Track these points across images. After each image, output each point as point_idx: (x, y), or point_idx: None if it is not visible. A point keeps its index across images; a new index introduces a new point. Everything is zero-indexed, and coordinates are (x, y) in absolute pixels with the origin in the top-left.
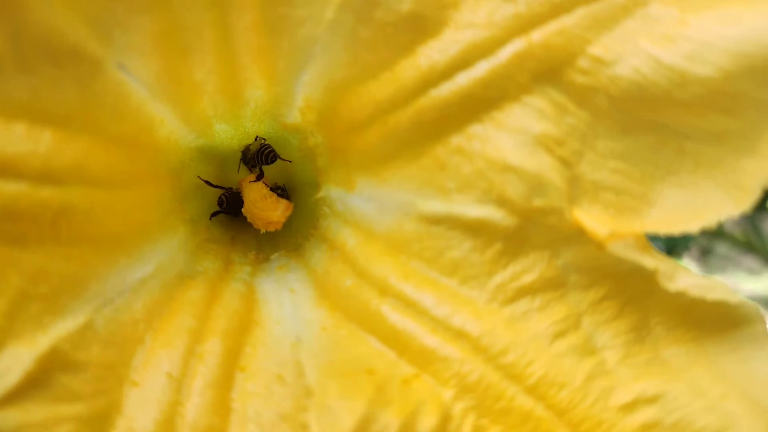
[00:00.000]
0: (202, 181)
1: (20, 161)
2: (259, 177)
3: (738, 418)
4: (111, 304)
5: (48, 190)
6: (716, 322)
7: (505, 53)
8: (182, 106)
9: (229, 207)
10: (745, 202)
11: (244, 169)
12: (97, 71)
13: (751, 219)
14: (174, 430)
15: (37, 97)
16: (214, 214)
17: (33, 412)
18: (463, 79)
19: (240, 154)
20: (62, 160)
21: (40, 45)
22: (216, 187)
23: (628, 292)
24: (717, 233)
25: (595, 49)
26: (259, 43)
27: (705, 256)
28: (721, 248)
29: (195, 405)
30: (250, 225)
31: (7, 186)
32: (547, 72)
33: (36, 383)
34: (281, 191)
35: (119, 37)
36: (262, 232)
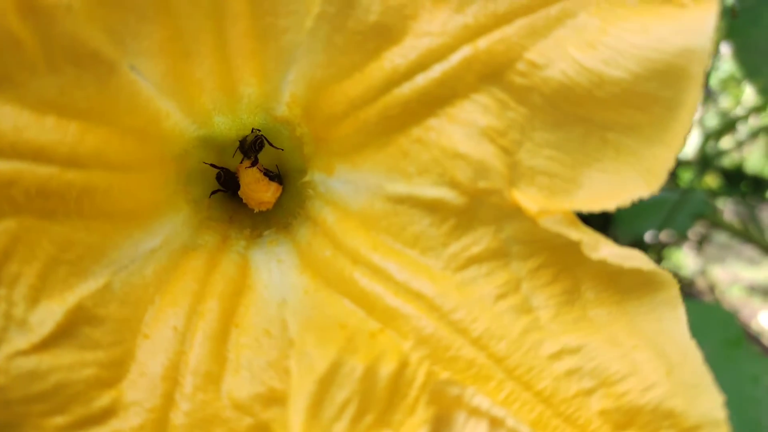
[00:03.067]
0: (204, 166)
1: (50, 149)
2: (254, 163)
3: (644, 363)
4: (126, 269)
5: (73, 173)
6: (637, 288)
7: (456, 58)
8: (185, 101)
9: (226, 183)
10: (655, 184)
11: (240, 155)
12: (113, 72)
13: (750, 209)
14: (179, 375)
15: (63, 94)
16: (213, 192)
17: (63, 356)
18: (421, 80)
19: (238, 142)
20: (85, 147)
21: (66, 50)
22: (216, 167)
23: (562, 262)
24: (716, 223)
25: (531, 55)
26: (250, 47)
27: (704, 245)
28: (720, 238)
29: (196, 354)
30: (246, 206)
31: (41, 169)
32: (491, 74)
33: (65, 333)
34: (275, 175)
35: (131, 43)
36: (255, 211)
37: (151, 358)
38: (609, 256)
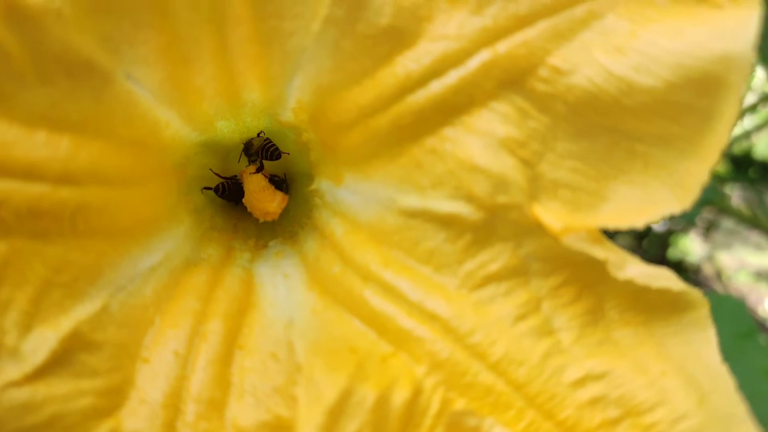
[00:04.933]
0: (206, 173)
1: (42, 165)
2: (259, 169)
3: (674, 392)
4: (124, 289)
5: (66, 191)
6: (664, 307)
7: (474, 63)
8: (185, 109)
9: (230, 195)
10: (687, 200)
11: (246, 161)
12: (108, 81)
13: (758, 195)
14: (180, 401)
15: (55, 106)
16: (205, 188)
17: (58, 386)
18: (437, 87)
19: (242, 146)
20: (79, 162)
21: (57, 60)
22: (220, 177)
23: (584, 279)
24: (723, 209)
25: (554, 60)
26: (253, 52)
27: (711, 231)
28: (728, 223)
29: (199, 379)
30: (250, 214)
31: (31, 187)
32: (512, 80)
33: (60, 361)
34: (281, 181)
35: (126, 50)
36: (260, 221)
37: (151, 384)
38: (637, 276)
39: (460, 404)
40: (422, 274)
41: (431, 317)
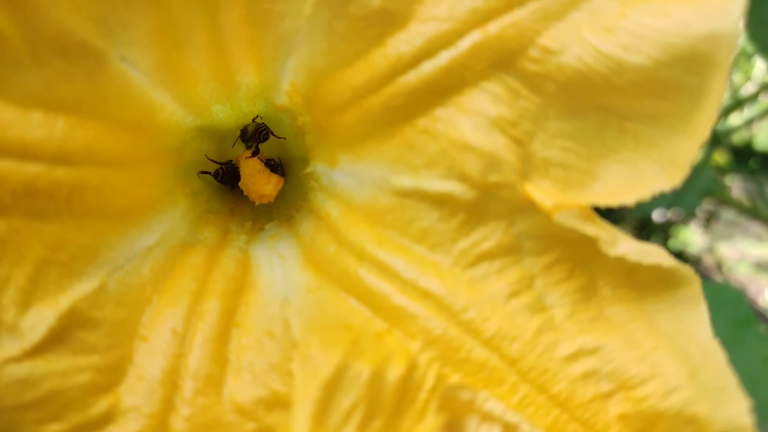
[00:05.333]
0: (203, 157)
1: (37, 146)
2: (255, 153)
3: (665, 366)
4: (121, 269)
5: (62, 170)
6: (656, 284)
7: (465, 44)
8: (180, 92)
9: (226, 179)
10: (678, 177)
11: (241, 145)
12: (102, 63)
13: (758, 186)
14: (178, 378)
15: (50, 87)
16: (203, 173)
17: (57, 362)
18: (428, 68)
19: (238, 131)
20: (74, 143)
21: (52, 41)
22: (216, 162)
23: (577, 257)
24: (723, 200)
25: (544, 40)
26: (246, 35)
27: (711, 222)
28: (728, 215)
29: (196, 357)
30: (247, 197)
31: (27, 167)
32: (502, 60)
33: (58, 338)
34: (276, 165)
35: (121, 33)
36: (256, 204)
37: (149, 361)
38: (628, 252)
39: (454, 379)
40: (416, 253)
41: (425, 295)
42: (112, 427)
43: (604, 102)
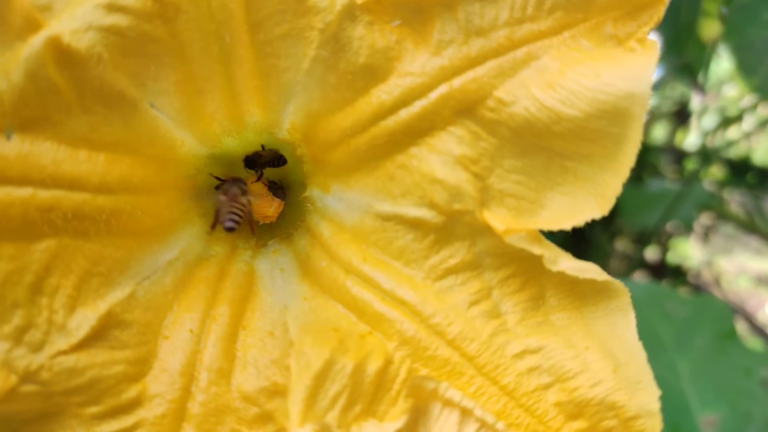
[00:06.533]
0: (214, 181)
1: (84, 178)
2: (259, 178)
3: (594, 363)
4: (148, 279)
5: (103, 198)
6: (593, 295)
7: (434, 95)
8: (198, 130)
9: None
10: (606, 207)
11: (244, 170)
12: (136, 109)
13: (756, 200)
14: (195, 370)
15: (93, 130)
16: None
17: (96, 355)
18: (405, 114)
19: (243, 159)
20: (112, 175)
21: (96, 93)
22: (222, 180)
23: (529, 272)
24: (722, 214)
25: (499, 93)
26: (255, 84)
27: (709, 236)
28: (728, 229)
29: (210, 353)
30: None
31: (76, 196)
32: (465, 109)
33: (98, 336)
34: (278, 187)
35: (151, 85)
36: (260, 223)
37: (170, 356)
38: (567, 268)
39: (422, 372)
40: (394, 268)
41: (401, 302)
42: (140, 410)
43: (548, 144)
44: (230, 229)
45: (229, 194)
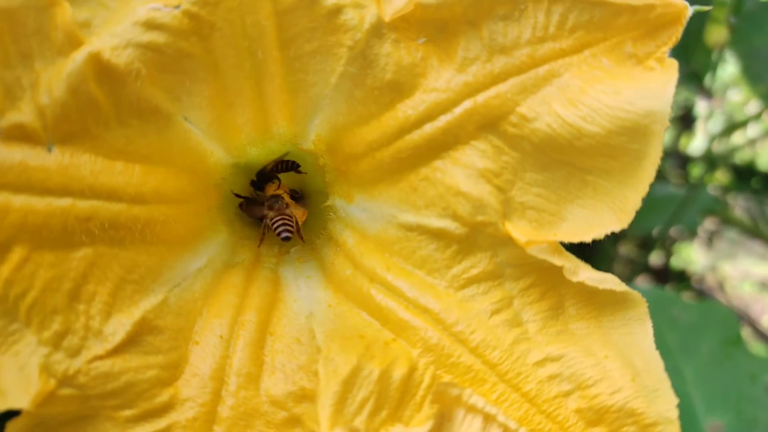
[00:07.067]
0: (238, 189)
1: (120, 189)
2: (279, 186)
3: (613, 371)
4: (179, 286)
5: (138, 208)
6: (612, 305)
7: (459, 110)
8: (226, 142)
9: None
10: (625, 221)
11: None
12: (170, 123)
13: (760, 205)
14: (224, 375)
15: (130, 143)
16: (238, 198)
17: (131, 360)
18: (429, 128)
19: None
20: (147, 186)
21: (133, 107)
22: (240, 197)
23: (549, 281)
24: (726, 219)
25: (522, 109)
26: (283, 98)
27: (714, 241)
28: (732, 233)
29: (239, 358)
30: None
31: (112, 206)
32: (488, 124)
33: (132, 341)
34: (299, 196)
35: (185, 99)
36: None
37: (201, 361)
38: (587, 279)
39: (446, 379)
40: (417, 277)
41: (424, 311)
42: (173, 413)
43: (569, 159)
44: (286, 239)
45: (275, 208)
